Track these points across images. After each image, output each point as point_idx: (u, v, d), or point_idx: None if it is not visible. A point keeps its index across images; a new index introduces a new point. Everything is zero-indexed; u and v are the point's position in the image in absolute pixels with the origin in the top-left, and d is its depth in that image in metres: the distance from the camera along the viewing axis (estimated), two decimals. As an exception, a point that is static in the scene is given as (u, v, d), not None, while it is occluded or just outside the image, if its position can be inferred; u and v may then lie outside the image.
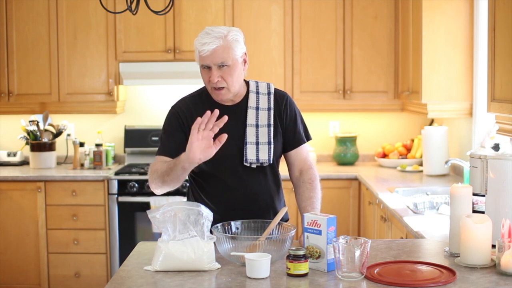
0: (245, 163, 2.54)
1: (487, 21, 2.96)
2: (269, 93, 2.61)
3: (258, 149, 2.54)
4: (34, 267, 4.75)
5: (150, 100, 5.36)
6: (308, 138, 2.69)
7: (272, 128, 2.57)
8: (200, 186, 2.62)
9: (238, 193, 2.56)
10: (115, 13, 2.93)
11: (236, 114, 2.55)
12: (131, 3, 2.62)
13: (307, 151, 2.70)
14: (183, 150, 2.32)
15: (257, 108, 2.57)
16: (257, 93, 2.60)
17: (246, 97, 2.59)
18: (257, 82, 2.63)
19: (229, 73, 2.46)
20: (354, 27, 4.92)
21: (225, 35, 2.45)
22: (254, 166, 2.55)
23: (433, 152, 4.50)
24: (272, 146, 2.56)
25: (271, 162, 2.57)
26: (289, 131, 2.63)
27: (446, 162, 3.96)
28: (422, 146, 4.79)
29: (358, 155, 5.21)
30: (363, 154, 5.32)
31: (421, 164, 4.87)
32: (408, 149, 5.13)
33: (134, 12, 2.64)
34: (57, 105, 5.04)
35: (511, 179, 2.35)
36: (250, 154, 2.54)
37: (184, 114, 2.56)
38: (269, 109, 2.58)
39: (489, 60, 2.93)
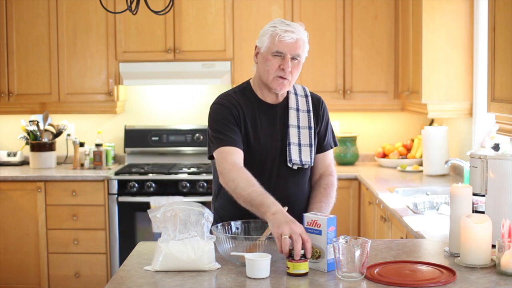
0: (288, 164, 2.51)
1: (487, 21, 2.96)
2: (306, 96, 2.60)
3: (300, 150, 2.52)
4: (34, 267, 4.75)
5: (150, 100, 5.36)
6: (336, 144, 2.69)
7: (312, 131, 2.56)
8: None
9: (277, 195, 2.40)
10: (115, 13, 2.92)
11: (278, 113, 2.54)
12: (131, 3, 2.61)
13: (332, 158, 2.69)
14: (243, 143, 2.43)
15: (297, 110, 2.55)
16: (296, 94, 2.58)
17: (286, 97, 2.57)
18: (293, 84, 2.59)
19: (297, 68, 2.44)
20: (354, 27, 4.92)
21: (303, 31, 2.43)
22: (295, 167, 2.52)
23: (433, 152, 4.50)
24: (313, 148, 2.55)
25: (312, 164, 2.56)
26: (322, 135, 2.62)
27: (446, 162, 3.96)
28: (422, 146, 4.78)
29: (358, 155, 5.21)
30: (363, 154, 5.31)
31: (421, 164, 4.87)
32: (408, 149, 5.13)
33: (134, 12, 2.64)
34: (57, 105, 5.04)
35: (511, 179, 2.35)
36: (294, 155, 2.51)
37: (236, 108, 2.48)
38: (308, 111, 2.57)
39: (489, 60, 2.92)
